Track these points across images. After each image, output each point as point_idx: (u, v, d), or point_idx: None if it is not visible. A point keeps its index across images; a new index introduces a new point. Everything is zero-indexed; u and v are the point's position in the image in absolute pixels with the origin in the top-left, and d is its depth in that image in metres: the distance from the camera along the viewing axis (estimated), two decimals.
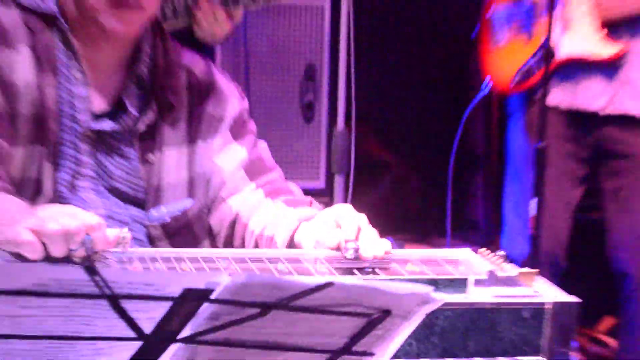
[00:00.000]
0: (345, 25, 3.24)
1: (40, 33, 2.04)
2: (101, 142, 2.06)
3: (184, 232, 2.11)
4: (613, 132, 3.34)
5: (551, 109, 3.16)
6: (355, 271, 1.78)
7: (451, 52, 4.74)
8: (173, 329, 1.25)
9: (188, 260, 1.77)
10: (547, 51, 3.10)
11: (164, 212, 2.10)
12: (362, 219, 1.89)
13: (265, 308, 1.24)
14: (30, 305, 1.19)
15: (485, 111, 4.60)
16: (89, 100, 2.05)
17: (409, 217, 4.85)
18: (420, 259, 1.83)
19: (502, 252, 1.77)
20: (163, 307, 1.22)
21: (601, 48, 3.26)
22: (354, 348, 1.33)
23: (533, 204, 3.11)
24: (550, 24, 3.07)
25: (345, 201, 3.24)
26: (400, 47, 4.90)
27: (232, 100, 2.19)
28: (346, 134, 3.24)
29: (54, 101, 2.02)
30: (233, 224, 2.13)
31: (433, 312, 1.34)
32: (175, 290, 1.21)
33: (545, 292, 1.67)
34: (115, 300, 1.20)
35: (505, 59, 3.43)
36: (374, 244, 1.83)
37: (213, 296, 1.22)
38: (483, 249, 1.84)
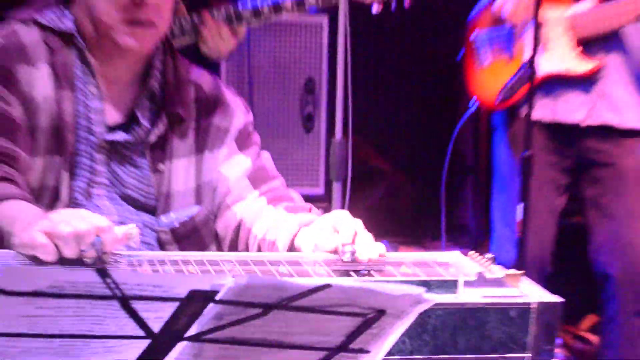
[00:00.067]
0: (342, 42, 3.23)
1: (59, 51, 2.04)
2: (115, 152, 2.06)
3: (192, 236, 2.10)
4: (593, 143, 3.33)
5: (534, 122, 3.16)
6: (352, 273, 1.77)
7: (440, 69, 4.74)
8: (180, 328, 1.24)
9: (194, 263, 1.76)
10: (531, 69, 3.09)
11: (173, 218, 2.09)
12: (358, 224, 1.88)
13: (267, 308, 1.23)
14: (46, 306, 1.19)
15: (474, 125, 4.60)
16: (104, 113, 2.06)
17: (403, 221, 4.84)
18: (413, 262, 1.82)
19: (490, 255, 1.76)
20: (170, 308, 1.22)
21: (577, 65, 3.26)
22: (351, 346, 1.32)
23: (520, 208, 3.10)
24: (535, 45, 3.07)
25: (343, 207, 3.22)
26: (395, 64, 4.91)
27: (238, 114, 2.19)
28: (344, 143, 3.23)
29: (71, 114, 2.02)
30: (237, 229, 2.12)
31: (425, 312, 1.34)
32: (182, 292, 1.21)
33: (531, 292, 1.67)
34: (125, 301, 1.20)
35: (489, 78, 3.43)
36: (369, 247, 1.83)
37: (218, 297, 1.21)
38: (472, 252, 1.84)
